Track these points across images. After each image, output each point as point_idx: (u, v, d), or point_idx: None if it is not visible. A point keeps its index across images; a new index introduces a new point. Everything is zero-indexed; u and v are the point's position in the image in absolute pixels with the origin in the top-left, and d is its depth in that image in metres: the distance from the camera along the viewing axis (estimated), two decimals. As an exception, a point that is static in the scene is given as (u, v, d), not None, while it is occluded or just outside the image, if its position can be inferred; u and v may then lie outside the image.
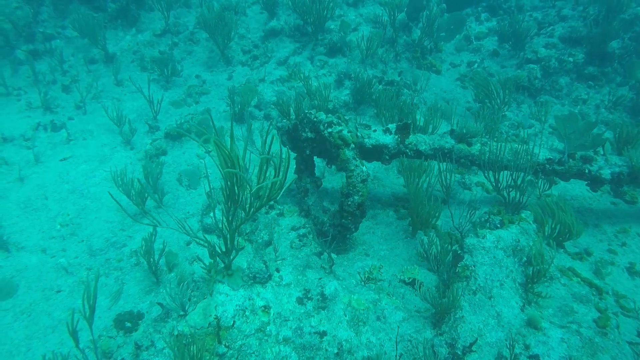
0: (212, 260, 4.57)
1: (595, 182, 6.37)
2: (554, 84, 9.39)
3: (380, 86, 9.04)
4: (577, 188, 7.34)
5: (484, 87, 8.03)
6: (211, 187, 5.06)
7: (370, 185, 7.03)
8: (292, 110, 7.34)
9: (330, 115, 5.78)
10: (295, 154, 6.29)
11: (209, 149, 7.78)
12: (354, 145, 5.47)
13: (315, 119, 5.80)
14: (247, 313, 4.15)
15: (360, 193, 5.29)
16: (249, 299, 4.28)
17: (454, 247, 5.08)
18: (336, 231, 5.62)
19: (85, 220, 6.40)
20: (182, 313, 4.33)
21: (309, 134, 5.92)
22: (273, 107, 8.51)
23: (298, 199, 6.49)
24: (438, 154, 6.27)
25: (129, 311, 5.10)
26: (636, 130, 6.65)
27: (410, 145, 6.16)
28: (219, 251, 4.52)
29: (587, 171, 6.20)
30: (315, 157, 6.39)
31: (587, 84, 9.40)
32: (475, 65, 10.49)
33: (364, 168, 5.38)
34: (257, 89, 8.82)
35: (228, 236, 4.51)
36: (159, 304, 4.65)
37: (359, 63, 9.34)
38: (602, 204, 7.29)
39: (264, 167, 4.29)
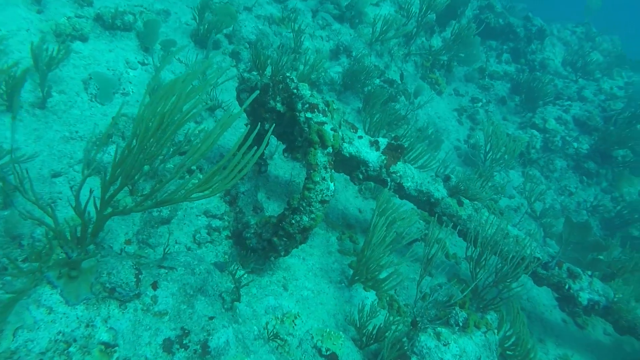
0: (49, 240, 2.81)
1: (568, 301, 5.35)
2: (548, 162, 8.37)
3: (378, 81, 7.49)
4: (536, 289, 6.34)
5: (494, 139, 6.75)
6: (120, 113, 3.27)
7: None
8: (269, 65, 5.58)
9: (315, 93, 4.15)
10: (249, 120, 4.61)
11: (147, 61, 5.84)
12: (331, 150, 3.89)
13: (295, 91, 4.14)
14: (70, 351, 2.48)
15: (313, 215, 3.76)
16: (88, 326, 2.60)
17: (402, 339, 3.70)
18: (260, 246, 4.07)
19: None
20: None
21: (279, 106, 4.26)
22: (248, 47, 6.67)
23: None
24: (422, 199, 4.87)
25: None
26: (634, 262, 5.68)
27: (394, 175, 4.69)
28: (68, 231, 2.78)
29: (567, 287, 5.14)
30: (272, 136, 4.75)
31: (580, 178, 8.47)
32: (480, 104, 9.23)
33: (332, 185, 3.84)
34: (237, 17, 6.92)
35: (93, 216, 2.81)
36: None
37: (366, 44, 7.70)
38: (554, 317, 6.34)
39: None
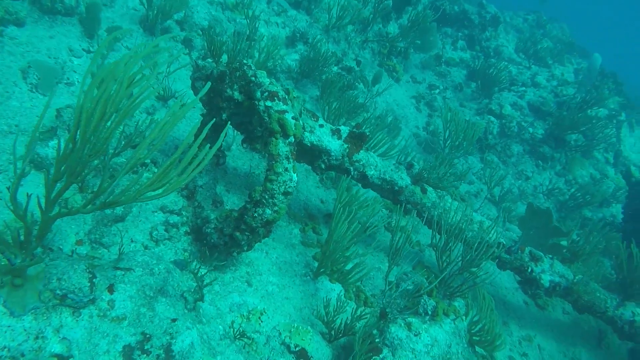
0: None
1: (530, 284, 5.45)
2: (505, 148, 8.52)
3: (336, 68, 7.37)
4: (499, 273, 6.45)
5: (453, 126, 6.76)
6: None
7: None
8: (225, 53, 5.32)
9: (274, 81, 3.98)
10: (206, 110, 4.38)
11: (93, 49, 5.47)
12: (293, 140, 3.74)
13: (253, 79, 3.96)
14: (15, 367, 2.25)
15: (276, 208, 3.61)
16: (37, 338, 2.36)
17: (372, 331, 3.62)
18: (221, 241, 3.88)
19: None
20: None
21: (237, 95, 4.06)
22: (201, 33, 6.38)
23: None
24: (385, 187, 4.80)
25: None
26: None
27: (357, 164, 4.59)
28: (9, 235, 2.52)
29: (529, 270, 5.23)
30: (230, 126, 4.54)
31: (536, 162, 8.69)
32: (437, 91, 9.28)
33: (294, 176, 3.70)
34: (189, 1, 6.61)
35: (38, 216, 2.55)
36: None
37: (322, 30, 7.55)
38: (516, 299, 6.47)
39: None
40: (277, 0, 7.48)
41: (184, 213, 4.28)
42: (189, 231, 4.23)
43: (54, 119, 4.49)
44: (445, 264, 4.41)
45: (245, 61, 4.11)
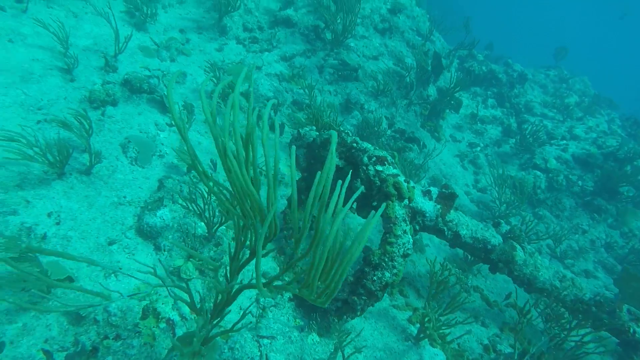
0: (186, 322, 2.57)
1: (633, 347, 5.20)
2: (557, 202, 8.57)
3: (390, 131, 7.62)
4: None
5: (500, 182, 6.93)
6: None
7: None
8: (302, 119, 5.56)
9: (377, 147, 4.15)
10: (304, 176, 4.53)
11: (170, 121, 5.71)
12: (407, 202, 3.85)
13: (355, 145, 4.13)
14: None
15: (395, 270, 3.65)
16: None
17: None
18: (333, 307, 3.89)
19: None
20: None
21: (337, 161, 4.21)
22: (267, 102, 6.68)
23: (281, 235, 4.68)
24: (477, 246, 4.84)
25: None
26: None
27: (450, 224, 4.66)
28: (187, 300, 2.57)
29: (631, 331, 5.05)
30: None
31: (591, 215, 8.68)
32: (478, 149, 9.49)
33: (411, 238, 3.76)
34: (252, 76, 6.97)
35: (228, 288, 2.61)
36: None
37: (372, 96, 7.87)
38: None
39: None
40: (328, 70, 7.85)
41: (286, 279, 4.31)
42: (291, 297, 4.24)
43: (155, 189, 4.64)
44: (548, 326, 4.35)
45: (341, 129, 4.31)
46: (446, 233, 4.66)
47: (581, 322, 4.25)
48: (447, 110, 10.01)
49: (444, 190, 4.75)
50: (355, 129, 7.22)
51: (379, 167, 3.90)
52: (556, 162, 9.22)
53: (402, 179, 3.84)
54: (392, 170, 3.89)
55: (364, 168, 3.98)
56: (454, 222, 4.68)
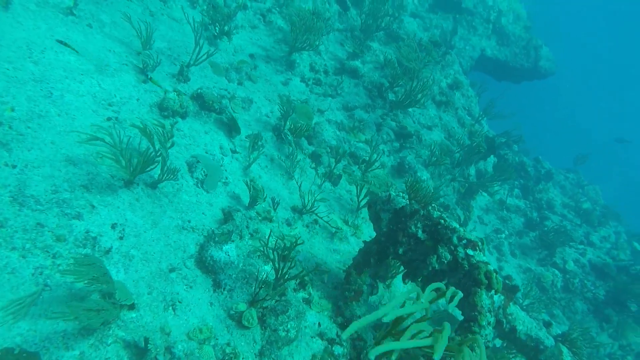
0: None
1: None
2: (570, 303, 8.51)
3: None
4: None
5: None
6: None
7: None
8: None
9: (466, 231, 4.05)
10: (379, 239, 4.38)
11: (237, 149, 5.57)
12: (494, 293, 3.71)
13: (442, 222, 4.02)
14: None
15: (473, 364, 3.45)
16: None
17: None
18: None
19: (26, 139, 3.79)
20: None
21: (420, 234, 4.08)
22: (329, 151, 6.60)
23: (340, 295, 4.48)
24: (530, 344, 4.68)
25: None
26: None
27: (509, 317, 4.52)
28: None
29: None
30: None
31: (600, 325, 8.64)
32: (503, 236, 9.47)
33: (492, 332, 3.60)
34: (313, 117, 6.92)
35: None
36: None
37: (423, 164, 7.86)
38: None
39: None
40: (387, 130, 7.84)
41: (344, 345, 4.08)
42: (345, 364, 4.00)
43: (221, 220, 4.44)
44: None
45: (433, 204, 4.22)
46: (504, 326, 4.50)
47: None
48: (480, 191, 10.06)
49: (507, 281, 4.64)
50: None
51: (470, 252, 3.78)
52: (574, 264, 9.23)
53: (492, 268, 3.72)
54: (482, 258, 3.77)
55: (452, 248, 3.85)
56: (513, 316, 4.53)
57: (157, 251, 3.77)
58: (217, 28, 6.96)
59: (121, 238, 3.66)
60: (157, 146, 4.22)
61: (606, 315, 8.65)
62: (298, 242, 4.07)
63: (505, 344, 4.80)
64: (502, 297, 4.47)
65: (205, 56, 6.00)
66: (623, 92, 58.71)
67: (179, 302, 3.56)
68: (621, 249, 11.15)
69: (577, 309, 8.52)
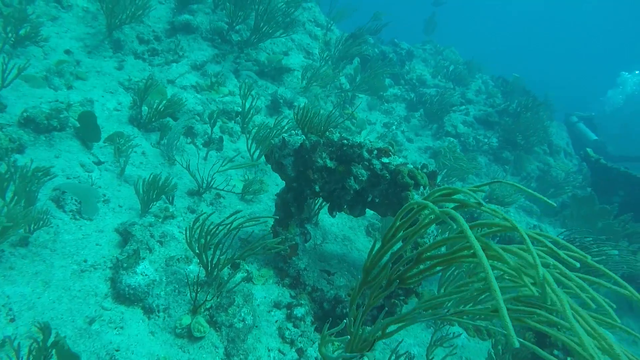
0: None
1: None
2: (473, 161, 9.10)
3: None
4: None
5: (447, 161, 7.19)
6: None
7: (339, 247, 5.11)
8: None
9: (372, 141, 3.89)
10: (293, 186, 4.10)
11: (102, 159, 4.84)
12: (422, 189, 3.65)
13: (345, 142, 3.83)
14: None
15: (430, 262, 3.43)
16: None
17: None
18: (368, 316, 3.59)
19: None
20: None
21: (329, 162, 3.87)
22: (199, 119, 6.02)
23: (275, 257, 4.22)
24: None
25: None
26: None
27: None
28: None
29: None
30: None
31: (503, 167, 9.39)
32: (394, 127, 9.68)
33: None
34: (166, 92, 6.23)
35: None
36: None
37: (298, 94, 7.55)
38: None
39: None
40: (246, 73, 7.33)
41: (302, 303, 3.88)
42: (313, 320, 3.84)
43: (121, 241, 3.86)
44: None
45: (329, 128, 3.98)
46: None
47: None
48: (357, 94, 10.05)
49: (424, 170, 4.65)
50: (292, 122, 6.84)
51: (385, 160, 3.64)
52: (463, 126, 9.80)
53: (411, 166, 3.63)
54: (399, 160, 3.66)
55: (366, 164, 3.69)
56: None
57: (64, 310, 3.18)
58: (11, 35, 5.79)
59: (12, 320, 3.01)
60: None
61: (504, 158, 9.41)
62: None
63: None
64: (428, 187, 4.50)
65: (17, 71, 4.99)
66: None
67: (117, 350, 3.07)
68: (494, 95, 12.02)
69: (481, 164, 9.13)
